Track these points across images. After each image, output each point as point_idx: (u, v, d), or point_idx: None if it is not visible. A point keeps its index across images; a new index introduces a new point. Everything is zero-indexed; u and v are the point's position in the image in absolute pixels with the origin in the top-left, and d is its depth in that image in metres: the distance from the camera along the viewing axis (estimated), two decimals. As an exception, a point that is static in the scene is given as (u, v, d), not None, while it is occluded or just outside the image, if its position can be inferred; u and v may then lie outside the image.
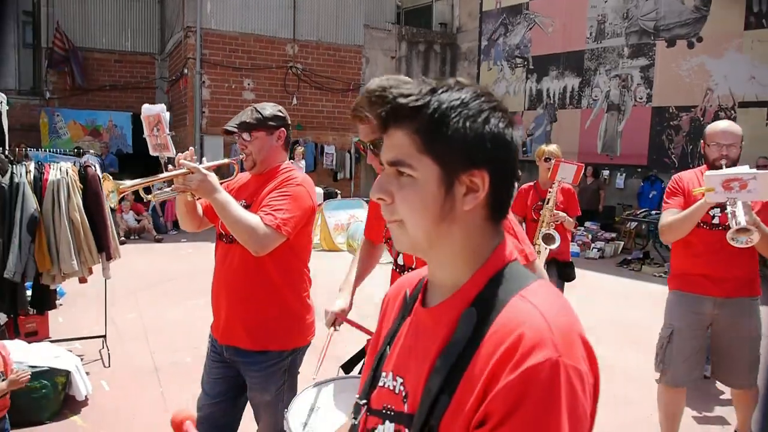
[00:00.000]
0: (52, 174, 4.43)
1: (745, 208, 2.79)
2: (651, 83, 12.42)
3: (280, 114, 2.46)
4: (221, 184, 2.26)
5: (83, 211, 4.49)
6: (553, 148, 5.02)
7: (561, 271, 4.85)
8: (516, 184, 1.59)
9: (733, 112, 11.04)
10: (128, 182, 2.19)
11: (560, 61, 14.13)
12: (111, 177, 2.19)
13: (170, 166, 2.41)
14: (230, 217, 2.14)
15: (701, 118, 11.51)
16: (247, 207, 2.31)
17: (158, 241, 10.83)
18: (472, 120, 0.90)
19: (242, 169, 2.53)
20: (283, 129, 2.45)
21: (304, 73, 14.94)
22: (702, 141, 3.25)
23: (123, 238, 10.46)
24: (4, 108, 5.01)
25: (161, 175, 2.32)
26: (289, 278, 2.41)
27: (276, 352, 2.36)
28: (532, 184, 5.08)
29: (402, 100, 0.91)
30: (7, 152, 4.50)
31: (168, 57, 15.89)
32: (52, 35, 14.85)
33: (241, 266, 2.32)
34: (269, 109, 2.42)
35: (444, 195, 0.92)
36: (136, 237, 10.98)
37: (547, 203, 4.66)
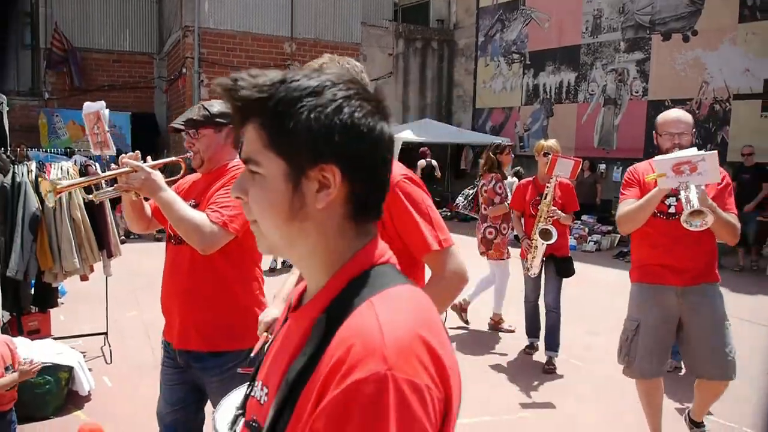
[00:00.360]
0: (53, 173, 4.50)
1: (698, 190, 2.77)
2: (647, 77, 12.48)
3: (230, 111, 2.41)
4: (171, 183, 2.22)
5: (84, 209, 4.57)
6: (552, 143, 5.01)
7: (559, 266, 4.85)
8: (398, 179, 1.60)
9: (728, 104, 11.11)
10: (65, 182, 2.10)
11: (556, 56, 14.19)
12: (47, 177, 2.17)
13: (113, 165, 2.36)
14: (175, 216, 2.08)
15: (697, 111, 11.56)
16: (195, 206, 2.24)
17: (158, 240, 10.89)
18: (320, 110, 0.83)
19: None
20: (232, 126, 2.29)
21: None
22: (654, 132, 3.23)
23: (123, 238, 10.52)
24: (5, 109, 5.08)
25: (103, 174, 2.27)
26: (241, 276, 2.31)
27: (233, 353, 2.23)
28: (530, 179, 5.11)
29: (245, 93, 0.85)
30: (8, 153, 4.57)
31: (166, 57, 15.94)
32: (51, 36, 14.91)
33: (191, 267, 2.25)
34: (217, 106, 2.31)
35: (292, 192, 0.86)
36: (136, 237, 11.04)
37: (545, 198, 4.64)
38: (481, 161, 5.88)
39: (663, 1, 12.07)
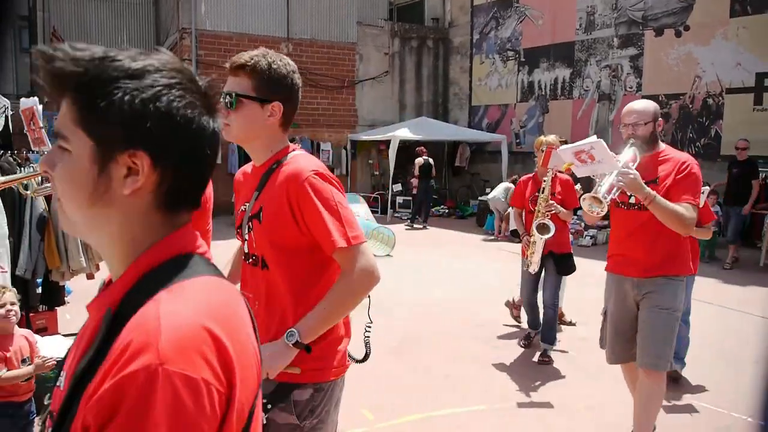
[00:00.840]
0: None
1: (621, 178, 2.78)
2: (640, 72, 12.61)
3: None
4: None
5: (89, 210, 4.69)
6: (551, 138, 4.96)
7: (558, 263, 4.82)
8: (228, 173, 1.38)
9: (721, 98, 11.24)
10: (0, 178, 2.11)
11: (551, 53, 14.32)
12: None
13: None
14: None
15: (690, 106, 11.72)
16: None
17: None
18: (136, 94, 0.79)
19: None
20: None
21: (299, 71, 15.04)
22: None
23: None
24: (9, 113, 5.19)
25: (35, 171, 2.29)
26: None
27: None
28: (530, 175, 5.07)
29: (59, 65, 0.80)
30: (14, 155, 4.68)
31: (163, 58, 16.03)
32: (49, 40, 15.00)
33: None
34: None
35: (97, 174, 0.82)
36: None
37: (542, 192, 4.62)
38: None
39: (655, -3, 12.20)
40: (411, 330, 5.75)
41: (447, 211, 15.11)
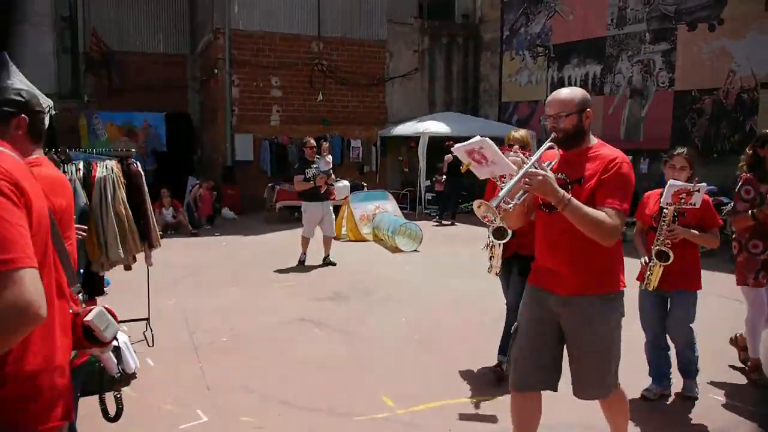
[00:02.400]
0: (99, 171, 4.87)
1: (523, 181, 2.40)
2: (673, 67, 12.45)
3: (19, 98, 2.06)
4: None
5: (127, 204, 4.94)
6: (521, 133, 4.45)
7: (522, 266, 3.95)
8: None
9: (755, 93, 11.04)
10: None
11: (581, 49, 14.22)
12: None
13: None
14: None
15: (724, 101, 11.53)
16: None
17: (194, 235, 11.35)
18: None
19: None
20: (23, 116, 2.03)
21: (330, 69, 15.31)
22: None
23: (161, 233, 10.99)
24: (52, 112, 5.48)
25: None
26: None
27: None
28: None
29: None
30: (58, 153, 4.95)
31: (199, 58, 16.44)
32: (89, 40, 15.52)
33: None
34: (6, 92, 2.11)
35: None
36: (173, 232, 11.52)
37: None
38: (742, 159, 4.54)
39: (688, -10, 12.03)
40: (435, 322, 5.88)
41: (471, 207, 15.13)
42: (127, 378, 4.36)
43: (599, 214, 2.48)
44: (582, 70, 14.29)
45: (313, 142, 8.67)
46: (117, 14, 16.05)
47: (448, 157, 13.17)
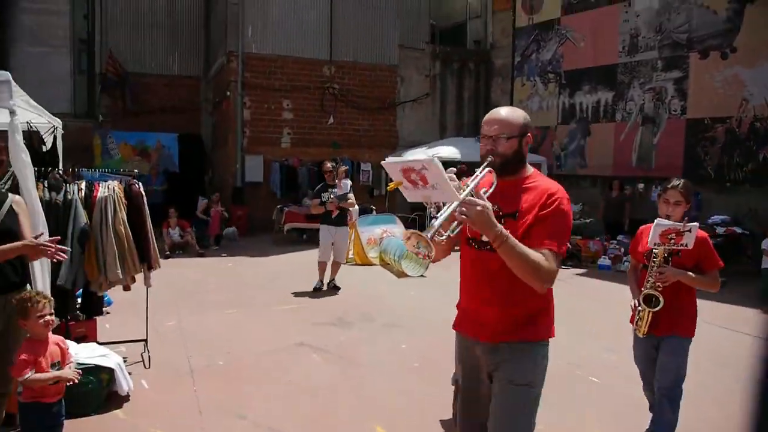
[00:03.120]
0: (101, 191, 4.89)
1: (458, 212, 2.08)
2: (685, 95, 12.39)
3: None
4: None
5: (128, 224, 4.94)
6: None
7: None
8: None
9: (769, 122, 10.94)
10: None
11: (593, 76, 14.21)
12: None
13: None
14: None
15: (737, 129, 11.43)
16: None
17: (200, 255, 11.36)
18: None
19: None
20: None
21: (341, 92, 15.42)
22: None
23: (168, 252, 11.02)
24: (59, 132, 5.53)
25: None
26: None
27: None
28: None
29: None
30: (61, 173, 4.98)
31: (212, 80, 16.65)
32: (105, 61, 15.80)
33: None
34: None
35: None
36: (180, 251, 11.53)
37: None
38: None
39: (700, 18, 12.02)
40: (436, 350, 5.77)
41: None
42: (119, 400, 4.33)
43: (537, 256, 2.17)
44: (593, 96, 14.26)
45: (329, 166, 8.53)
46: (133, 37, 16.35)
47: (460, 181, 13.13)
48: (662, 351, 3.50)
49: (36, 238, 3.04)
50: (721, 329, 6.59)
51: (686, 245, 3.31)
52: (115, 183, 5.01)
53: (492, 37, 17.33)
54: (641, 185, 12.93)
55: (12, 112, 3.51)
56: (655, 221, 3.37)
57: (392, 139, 16.20)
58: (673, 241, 3.30)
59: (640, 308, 3.47)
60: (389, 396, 4.60)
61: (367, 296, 8.09)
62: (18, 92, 3.59)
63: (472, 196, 2.12)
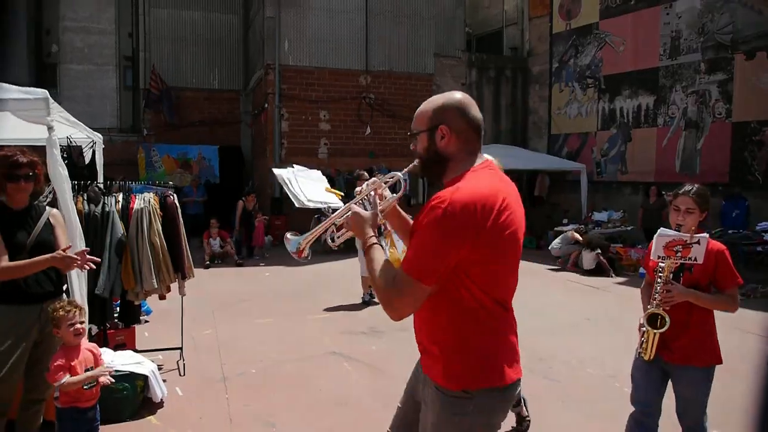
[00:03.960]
0: (137, 203, 5.03)
1: (345, 217, 2.05)
2: (730, 98, 12.01)
3: None
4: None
5: (162, 235, 5.06)
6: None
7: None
8: None
9: (820, 125, 10.50)
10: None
11: (633, 80, 13.92)
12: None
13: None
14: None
15: (786, 133, 11.02)
16: None
17: (239, 265, 11.55)
18: None
19: None
20: None
21: (377, 102, 15.51)
22: None
23: (207, 262, 11.25)
24: (99, 147, 5.72)
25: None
26: None
27: None
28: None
29: None
30: (100, 186, 5.15)
31: (251, 93, 16.98)
32: (149, 77, 16.31)
33: None
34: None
35: None
36: (219, 261, 11.75)
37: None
38: None
39: (745, 18, 11.66)
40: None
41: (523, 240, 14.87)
42: (153, 406, 4.43)
43: (388, 271, 1.87)
44: (634, 101, 13.97)
45: (365, 175, 8.18)
46: (175, 53, 16.83)
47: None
48: (678, 383, 3.04)
49: (64, 250, 3.15)
50: (768, 340, 6.33)
51: (694, 259, 2.91)
52: (151, 195, 5.15)
53: (529, 43, 17.18)
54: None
55: (50, 128, 3.65)
56: (658, 231, 3.01)
57: (429, 147, 16.19)
58: (679, 254, 2.91)
59: (644, 329, 3.04)
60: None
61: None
62: (56, 108, 3.73)
63: (366, 204, 2.07)
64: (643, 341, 3.06)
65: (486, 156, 2.06)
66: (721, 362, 3.01)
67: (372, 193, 2.08)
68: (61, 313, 3.08)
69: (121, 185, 5.36)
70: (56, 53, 16.19)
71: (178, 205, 5.27)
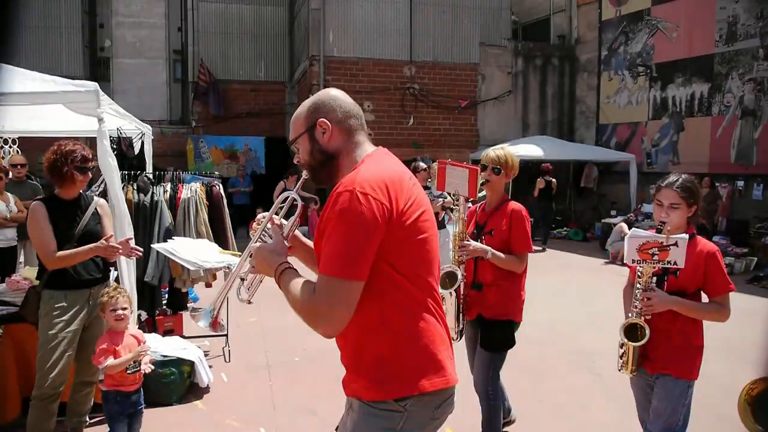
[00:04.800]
0: (184, 193, 5.17)
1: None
2: (791, 85, 11.47)
3: None
4: None
5: (208, 224, 5.19)
6: (499, 153, 3.47)
7: (486, 333, 3.39)
8: None
9: None
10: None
11: (686, 67, 13.43)
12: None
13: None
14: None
15: None
16: None
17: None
18: None
19: None
20: None
21: (421, 92, 15.44)
22: None
23: (253, 252, 11.45)
24: (148, 138, 5.88)
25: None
26: None
27: None
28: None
29: None
30: (149, 175, 5.31)
31: (296, 84, 17.14)
32: (197, 70, 16.65)
33: None
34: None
35: None
36: (265, 251, 11.95)
37: (456, 227, 3.31)
38: None
39: (808, 2, 11.09)
40: (511, 357, 5.66)
41: (568, 232, 14.62)
42: (199, 391, 4.55)
43: (307, 285, 1.70)
44: (687, 89, 13.47)
45: (422, 165, 7.63)
46: (223, 46, 17.12)
47: (539, 181, 12.84)
48: (655, 393, 2.75)
49: (107, 239, 3.28)
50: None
51: (674, 263, 2.56)
52: (198, 185, 5.27)
53: (577, 31, 16.77)
54: (741, 183, 12.09)
55: (100, 120, 3.77)
56: (630, 232, 2.70)
57: (473, 138, 16.05)
58: (656, 257, 2.56)
59: (621, 341, 2.74)
60: (463, 398, 4.55)
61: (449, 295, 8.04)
62: (106, 100, 3.85)
63: (267, 239, 1.90)
64: (621, 353, 2.75)
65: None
66: (694, 378, 2.70)
67: (269, 225, 1.92)
68: (105, 298, 3.22)
69: (174, 175, 5.51)
70: (109, 47, 16.68)
71: (223, 195, 5.38)
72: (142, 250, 3.50)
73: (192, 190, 5.14)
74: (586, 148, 15.49)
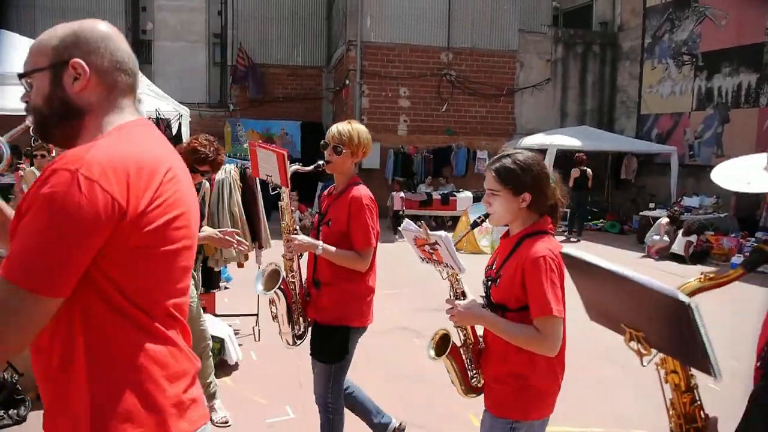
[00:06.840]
0: (219, 174, 5.24)
1: None
2: None
3: None
4: None
5: (242, 206, 5.26)
6: (337, 129, 2.95)
7: (316, 340, 3.14)
8: None
9: None
10: None
11: (734, 56, 12.98)
12: None
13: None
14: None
15: None
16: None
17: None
18: None
19: None
20: None
21: (458, 79, 15.30)
22: None
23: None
24: (185, 120, 5.99)
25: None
26: None
27: None
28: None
29: None
30: (185, 156, 5.40)
31: (333, 69, 17.18)
32: (236, 54, 16.82)
33: None
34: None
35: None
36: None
37: (282, 218, 2.95)
38: None
39: None
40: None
41: (606, 224, 14.36)
42: (228, 368, 4.65)
43: None
44: (734, 79, 13.03)
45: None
46: (261, 30, 17.24)
47: (574, 171, 12.63)
48: None
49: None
50: None
51: (448, 266, 2.11)
52: (232, 167, 5.35)
53: (620, 17, 16.35)
54: None
55: (138, 101, 3.84)
56: (402, 225, 2.23)
57: (510, 126, 15.86)
58: (433, 255, 2.12)
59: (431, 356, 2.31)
60: (485, 385, 4.56)
61: (476, 283, 8.02)
62: (145, 82, 3.93)
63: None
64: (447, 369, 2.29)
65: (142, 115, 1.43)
66: (526, 419, 2.11)
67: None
68: None
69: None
70: (151, 30, 16.96)
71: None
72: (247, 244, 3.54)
73: (226, 171, 5.22)
74: (625, 139, 15.14)
